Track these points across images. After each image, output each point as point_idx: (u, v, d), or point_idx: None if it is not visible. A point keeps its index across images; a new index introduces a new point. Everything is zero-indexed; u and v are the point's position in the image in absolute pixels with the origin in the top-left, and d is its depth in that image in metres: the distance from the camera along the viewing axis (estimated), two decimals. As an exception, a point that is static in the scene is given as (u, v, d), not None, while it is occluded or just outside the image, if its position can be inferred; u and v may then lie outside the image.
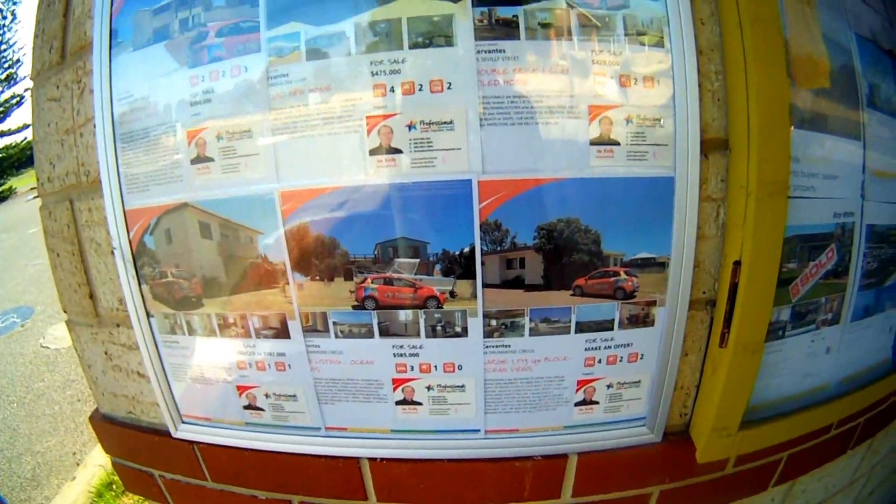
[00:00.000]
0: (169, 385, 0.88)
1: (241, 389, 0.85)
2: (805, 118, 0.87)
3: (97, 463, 2.00)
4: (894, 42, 1.08)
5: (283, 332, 0.79)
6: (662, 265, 0.76)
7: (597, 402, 0.81)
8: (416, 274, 0.74)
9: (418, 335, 0.77)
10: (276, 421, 0.86)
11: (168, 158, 0.79)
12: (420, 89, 0.70)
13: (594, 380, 0.80)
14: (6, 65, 21.88)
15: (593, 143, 0.71)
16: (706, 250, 0.79)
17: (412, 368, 0.79)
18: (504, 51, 0.70)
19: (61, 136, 0.92)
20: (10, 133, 22.48)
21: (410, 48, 0.70)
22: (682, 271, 0.77)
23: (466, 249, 0.72)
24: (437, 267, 0.74)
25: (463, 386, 0.79)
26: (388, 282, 0.75)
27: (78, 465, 2.19)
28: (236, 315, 0.81)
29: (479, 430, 0.83)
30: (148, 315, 0.85)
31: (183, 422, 0.90)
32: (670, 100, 0.73)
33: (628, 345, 0.79)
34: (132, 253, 0.83)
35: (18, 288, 5.03)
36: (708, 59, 0.77)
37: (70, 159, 0.91)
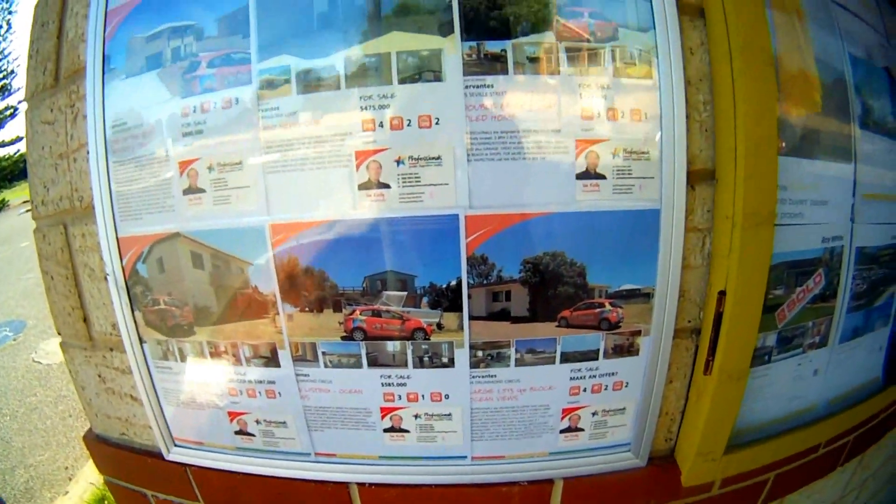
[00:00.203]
0: (161, 409, 0.89)
1: (233, 415, 0.86)
2: (794, 145, 0.87)
3: (89, 479, 2.02)
4: (890, 59, 1.08)
5: (273, 361, 0.80)
6: (647, 296, 0.77)
7: (582, 430, 0.83)
8: (403, 306, 0.75)
9: (406, 365, 0.78)
10: (267, 446, 0.87)
11: (160, 188, 0.80)
12: (409, 124, 0.71)
13: (579, 408, 0.81)
14: (0, 75, 21.51)
15: (579, 177, 0.72)
16: (691, 280, 0.80)
17: (400, 397, 0.80)
18: (492, 86, 0.71)
19: (55, 160, 0.93)
20: (3, 145, 22.02)
21: (399, 83, 0.71)
22: (668, 301, 0.78)
23: (453, 283, 0.73)
24: (425, 299, 0.75)
25: (450, 414, 0.81)
26: (377, 314, 0.76)
27: (70, 479, 2.21)
28: (227, 343, 0.82)
29: (465, 457, 0.84)
30: (141, 341, 0.86)
31: (175, 445, 0.91)
32: (657, 132, 0.74)
33: (613, 373, 0.80)
34: (125, 280, 0.84)
35: (10, 301, 4.97)
36: (696, 90, 0.78)
37: (64, 184, 0.92)
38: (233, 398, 0.85)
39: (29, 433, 2.59)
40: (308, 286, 0.76)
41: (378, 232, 0.73)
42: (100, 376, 0.96)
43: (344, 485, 0.87)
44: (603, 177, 0.73)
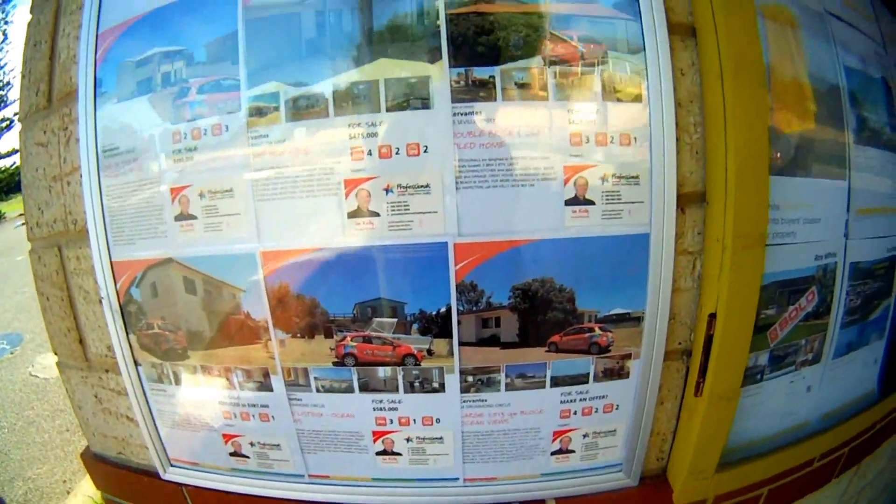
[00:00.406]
0: (157, 430, 0.90)
1: (227, 437, 0.87)
2: (787, 163, 0.87)
3: (86, 493, 2.03)
4: (887, 68, 1.07)
5: (266, 386, 0.81)
6: (638, 319, 0.77)
7: (573, 451, 0.83)
8: (394, 333, 0.75)
9: (397, 390, 0.79)
10: (261, 468, 0.88)
11: (153, 214, 0.80)
12: (397, 152, 0.71)
13: (570, 430, 0.82)
14: (-4, 87, 20.98)
15: (568, 203, 0.72)
16: (682, 303, 0.80)
17: (391, 421, 0.81)
18: (480, 112, 0.71)
19: (49, 182, 0.93)
20: (0, 157, 21.68)
21: (388, 110, 0.71)
22: (658, 324, 0.78)
23: (443, 309, 0.74)
24: (415, 326, 0.75)
25: (441, 438, 0.81)
26: (368, 340, 0.76)
27: (68, 493, 2.23)
28: (221, 367, 0.82)
29: (457, 479, 0.85)
30: (136, 363, 0.87)
31: (171, 465, 0.92)
32: (647, 156, 0.74)
33: (603, 396, 0.80)
34: (119, 303, 0.85)
35: (7, 315, 4.94)
36: (687, 111, 0.77)
37: (58, 206, 0.92)
38: (227, 421, 0.86)
39: (27, 446, 2.60)
40: (299, 313, 0.76)
41: (368, 260, 0.73)
42: (96, 397, 0.97)
43: (337, 505, 0.88)
44: (592, 202, 0.73)
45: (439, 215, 0.71)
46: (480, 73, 0.71)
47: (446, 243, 0.72)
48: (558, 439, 0.82)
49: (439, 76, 0.70)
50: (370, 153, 0.71)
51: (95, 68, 0.84)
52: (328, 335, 0.76)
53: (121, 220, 0.83)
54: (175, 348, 0.84)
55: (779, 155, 0.85)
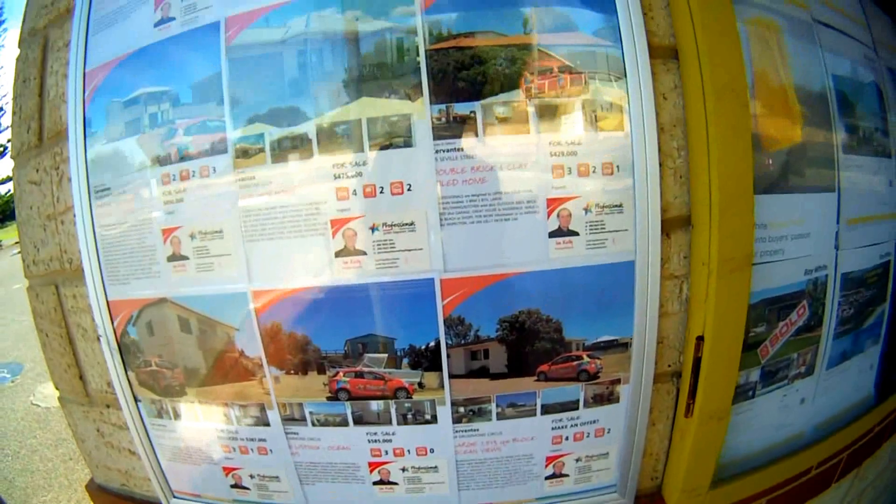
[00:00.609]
0: (159, 463, 0.92)
1: (227, 470, 0.89)
2: (774, 181, 0.87)
3: None
4: (878, 72, 1.06)
5: (262, 420, 0.83)
6: (625, 345, 0.78)
7: (567, 475, 0.84)
8: (385, 367, 0.77)
9: (391, 423, 0.80)
10: (262, 499, 0.89)
11: (146, 254, 0.82)
12: (381, 191, 0.72)
13: (562, 455, 0.83)
14: (-11, 112, 20.19)
15: (552, 234, 0.73)
16: (670, 326, 0.81)
17: (386, 452, 0.82)
18: (462, 149, 0.72)
19: (43, 221, 0.95)
20: None
21: (371, 149, 0.72)
22: (646, 349, 0.78)
23: (432, 344, 0.75)
24: (405, 360, 0.76)
25: (436, 467, 0.83)
26: (360, 375, 0.77)
27: None
28: (218, 403, 0.84)
29: (454, 505, 0.86)
30: (136, 399, 0.89)
31: (174, 496, 0.94)
32: (630, 183, 0.74)
33: (594, 421, 0.81)
34: (117, 341, 0.87)
35: (6, 344, 4.89)
36: (670, 136, 0.78)
37: (53, 245, 0.94)
38: (226, 454, 0.88)
39: (31, 474, 2.61)
40: (292, 350, 0.77)
41: (357, 297, 0.74)
42: (98, 430, 0.99)
43: (337, 533, 0.89)
44: (576, 233, 0.73)
45: (425, 252, 0.72)
46: (461, 108, 0.72)
47: (433, 279, 0.72)
48: (551, 464, 0.83)
49: (420, 114, 0.71)
50: (355, 193, 0.72)
51: (84, 108, 0.85)
52: (321, 371, 0.78)
53: (115, 260, 0.84)
54: (173, 385, 0.85)
55: (765, 173, 0.85)
